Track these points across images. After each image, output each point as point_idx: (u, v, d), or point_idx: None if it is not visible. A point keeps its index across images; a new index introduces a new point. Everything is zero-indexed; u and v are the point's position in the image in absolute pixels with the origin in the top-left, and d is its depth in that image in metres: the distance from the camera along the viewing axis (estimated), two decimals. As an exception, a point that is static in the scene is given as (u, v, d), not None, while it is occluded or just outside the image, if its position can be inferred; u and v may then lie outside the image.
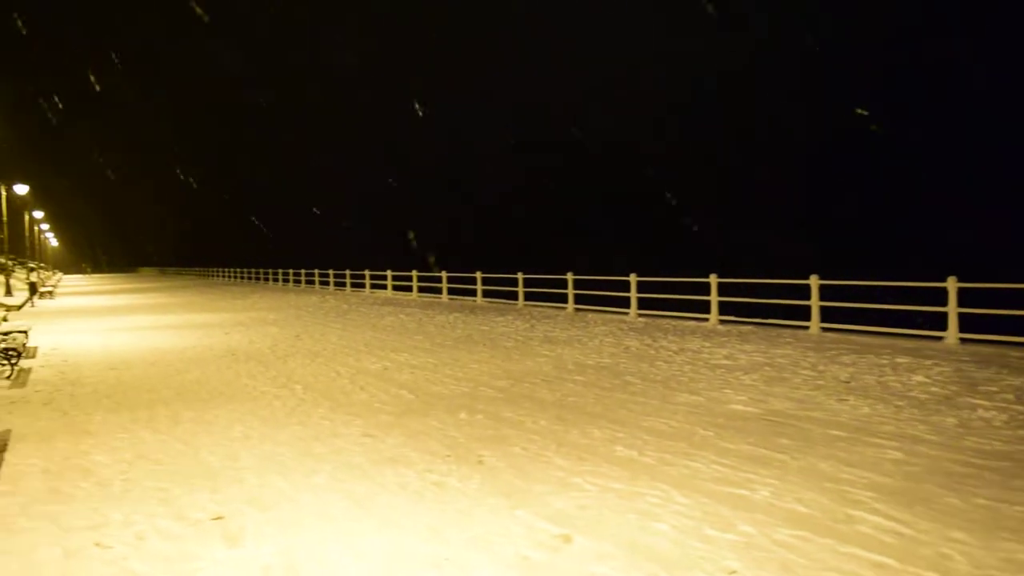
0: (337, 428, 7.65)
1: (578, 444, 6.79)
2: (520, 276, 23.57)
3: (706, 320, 16.80)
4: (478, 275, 25.98)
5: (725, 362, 11.25)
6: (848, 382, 9.40)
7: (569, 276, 21.14)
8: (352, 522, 4.96)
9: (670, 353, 12.30)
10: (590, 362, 11.59)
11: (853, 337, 13.67)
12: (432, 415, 8.14)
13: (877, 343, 12.78)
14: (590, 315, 19.76)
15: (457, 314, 21.08)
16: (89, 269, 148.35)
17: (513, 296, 24.24)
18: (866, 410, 7.86)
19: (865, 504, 5.03)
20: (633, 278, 18.73)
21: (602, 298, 20.53)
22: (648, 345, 13.32)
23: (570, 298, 21.24)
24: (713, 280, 16.69)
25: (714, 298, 16.69)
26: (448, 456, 6.48)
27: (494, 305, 24.38)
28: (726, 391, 9.06)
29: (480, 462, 6.28)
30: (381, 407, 8.62)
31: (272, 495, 5.55)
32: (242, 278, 60.05)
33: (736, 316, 16.66)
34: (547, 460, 6.29)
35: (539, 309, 22.21)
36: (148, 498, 5.57)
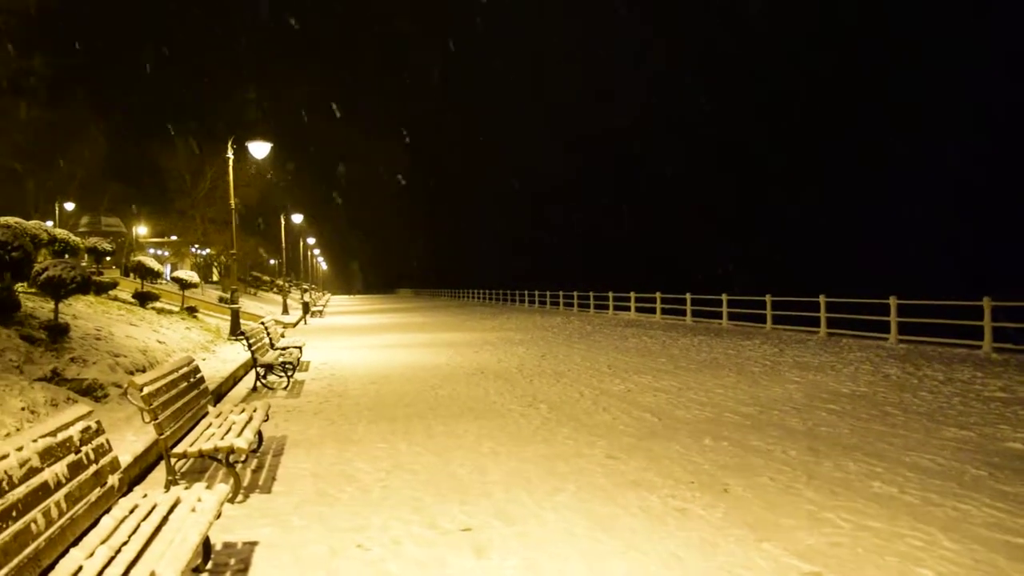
0: (580, 448, 7.76)
1: (831, 477, 6.45)
2: (768, 298, 22.76)
3: (979, 348, 15.38)
4: (724, 297, 25.39)
5: (1001, 395, 10.25)
6: None
7: (821, 298, 20.13)
8: (594, 542, 5.02)
9: (935, 383, 11.38)
10: (844, 390, 10.96)
11: None
12: (676, 440, 8.04)
13: None
14: (844, 340, 18.71)
15: (701, 337, 20.70)
16: (354, 290, 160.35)
17: (760, 319, 23.45)
18: None
19: None
20: (893, 301, 17.51)
21: (857, 322, 19.37)
22: (910, 374, 12.40)
23: (822, 321, 20.21)
24: (987, 304, 15.27)
25: (987, 323, 15.26)
26: (692, 483, 6.37)
27: (740, 328, 23.70)
28: (1002, 427, 8.24)
29: (725, 490, 6.13)
30: (624, 429, 8.64)
31: (518, 510, 5.73)
32: (489, 299, 62.49)
33: (1015, 344, 15.11)
34: (797, 492, 6.03)
35: (788, 333, 21.32)
36: (404, 505, 5.94)
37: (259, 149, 20.11)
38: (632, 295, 32.05)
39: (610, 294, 34.04)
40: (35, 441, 3.70)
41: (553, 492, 6.19)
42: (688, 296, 27.43)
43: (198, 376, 7.59)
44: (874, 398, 10.26)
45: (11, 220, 16.61)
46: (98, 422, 4.50)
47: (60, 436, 3.96)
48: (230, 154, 21.05)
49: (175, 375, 6.74)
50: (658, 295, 29.74)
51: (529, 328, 26.82)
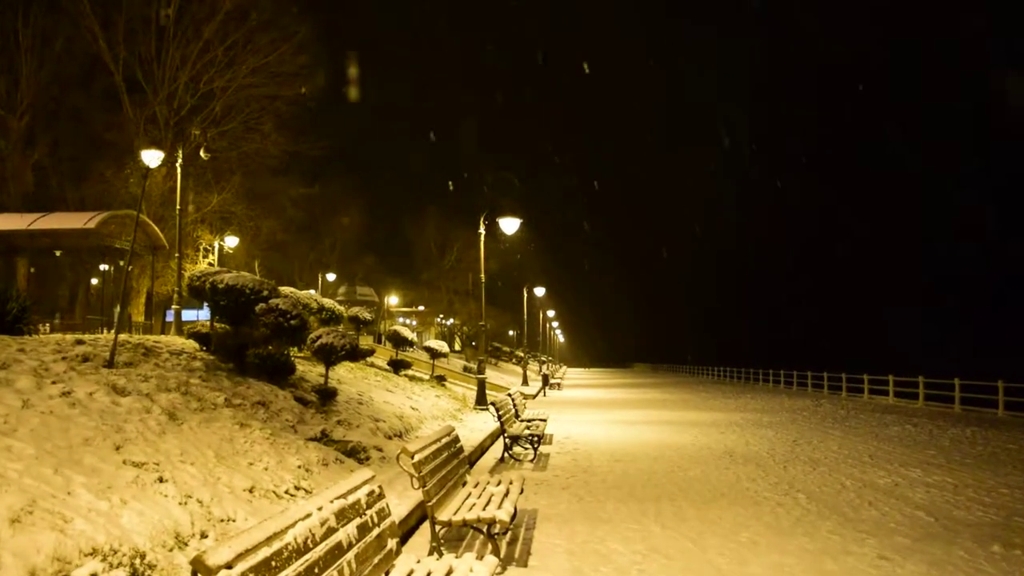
0: (848, 545, 7.28)
1: None
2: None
3: None
4: (999, 384, 23.15)
5: None
6: None
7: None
8: (877, 653, 4.66)
9: None
10: None
11: None
12: (957, 543, 7.36)
13: None
14: None
15: (974, 428, 18.93)
16: (589, 363, 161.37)
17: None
18: None
19: None
20: None
21: None
22: None
23: None
24: None
25: None
26: (984, 594, 5.79)
27: (1021, 420, 21.44)
28: None
29: (1026, 607, 5.51)
30: (896, 528, 8.02)
31: (785, 609, 5.45)
32: (730, 377, 60.70)
33: None
34: (1118, 617, 5.31)
35: (1083, 429, 19.02)
36: (663, 593, 5.82)
37: (510, 225, 20.95)
38: (890, 378, 29.98)
39: (865, 376, 32.04)
40: (331, 502, 4.00)
41: (823, 592, 5.84)
42: (956, 381, 25.27)
43: (458, 445, 7.91)
44: None
45: (287, 290, 18.31)
46: (380, 486, 4.80)
47: (351, 499, 4.26)
48: (482, 229, 22.11)
49: (439, 444, 7.06)
50: (920, 379, 27.61)
51: (776, 410, 25.75)
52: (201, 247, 33.82)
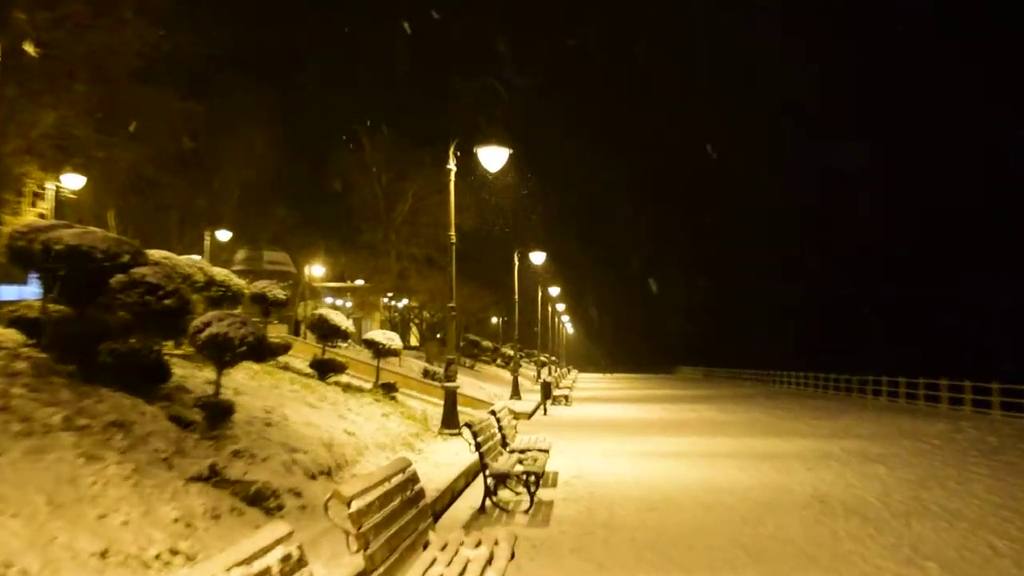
0: (1000, 637, 7.33)
1: None
2: None
3: None
4: None
5: None
6: None
7: None
8: None
9: None
10: None
11: None
12: None
13: None
14: None
15: None
16: (608, 367, 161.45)
17: None
18: None
19: None
20: None
21: None
22: None
23: None
24: None
25: None
26: None
27: None
28: None
29: None
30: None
31: None
32: (822, 387, 60.91)
33: None
34: None
35: None
36: None
37: (493, 158, 20.59)
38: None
39: (1024, 388, 32.23)
40: (228, 571, 3.95)
41: None
42: None
43: (416, 488, 7.90)
44: None
45: (159, 255, 18.16)
46: (300, 547, 4.77)
47: (256, 566, 4.22)
48: (452, 164, 21.84)
49: (388, 486, 7.04)
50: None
51: (891, 436, 25.92)
52: (28, 191, 33.50)
